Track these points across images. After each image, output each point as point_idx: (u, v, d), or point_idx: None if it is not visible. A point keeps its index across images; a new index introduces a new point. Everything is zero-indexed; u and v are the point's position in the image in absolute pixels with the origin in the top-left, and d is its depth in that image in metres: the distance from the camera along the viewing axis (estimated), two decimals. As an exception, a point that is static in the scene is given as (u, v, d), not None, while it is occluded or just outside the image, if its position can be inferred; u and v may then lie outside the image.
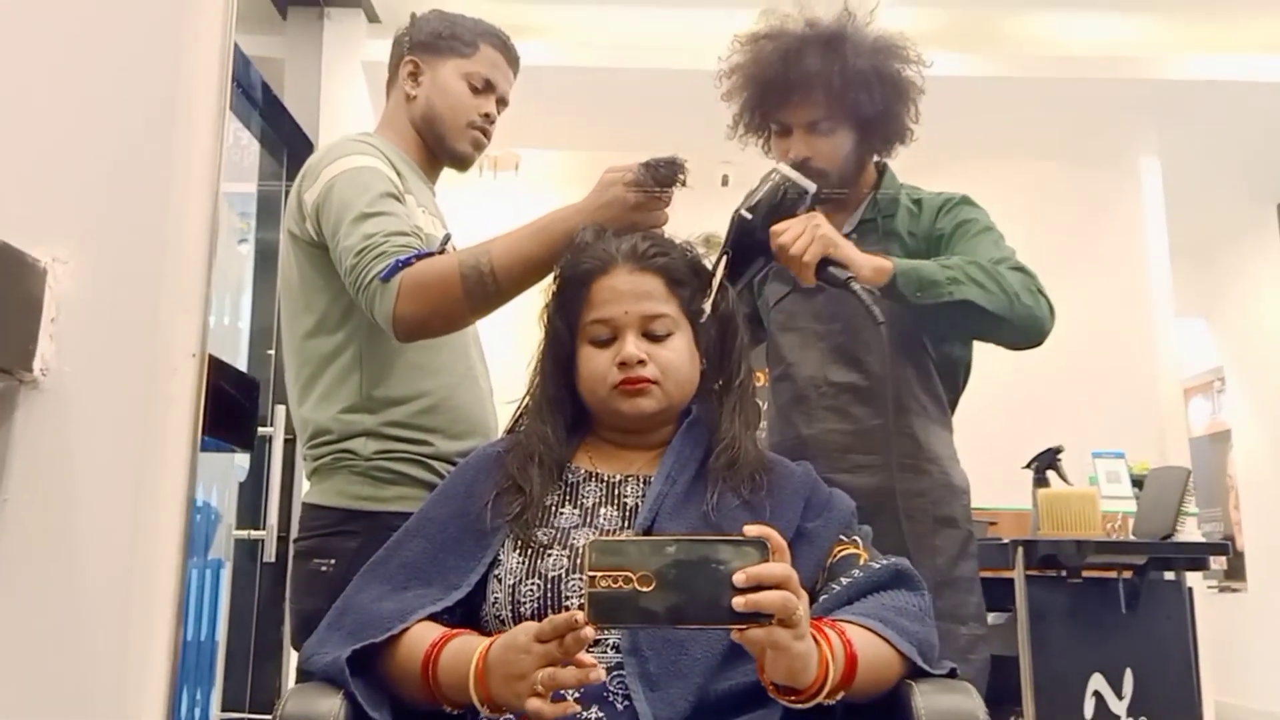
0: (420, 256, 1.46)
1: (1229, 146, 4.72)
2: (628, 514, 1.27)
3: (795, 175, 1.55)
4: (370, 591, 1.25)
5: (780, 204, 1.54)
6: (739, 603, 0.95)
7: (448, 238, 1.57)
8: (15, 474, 0.63)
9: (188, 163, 0.67)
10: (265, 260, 3.54)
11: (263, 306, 3.58)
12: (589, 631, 1.00)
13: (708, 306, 1.34)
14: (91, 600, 0.67)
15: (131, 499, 0.65)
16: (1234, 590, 6.07)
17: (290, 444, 3.10)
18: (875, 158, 1.85)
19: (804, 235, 1.50)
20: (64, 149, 0.70)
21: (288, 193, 3.50)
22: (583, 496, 1.30)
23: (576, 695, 1.11)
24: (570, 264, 1.33)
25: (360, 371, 1.61)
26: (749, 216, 1.52)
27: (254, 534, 3.17)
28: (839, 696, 1.08)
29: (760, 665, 1.03)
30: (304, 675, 1.23)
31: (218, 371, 2.24)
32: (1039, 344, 1.67)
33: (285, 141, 3.65)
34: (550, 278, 1.39)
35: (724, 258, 1.43)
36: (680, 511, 1.25)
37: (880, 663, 1.13)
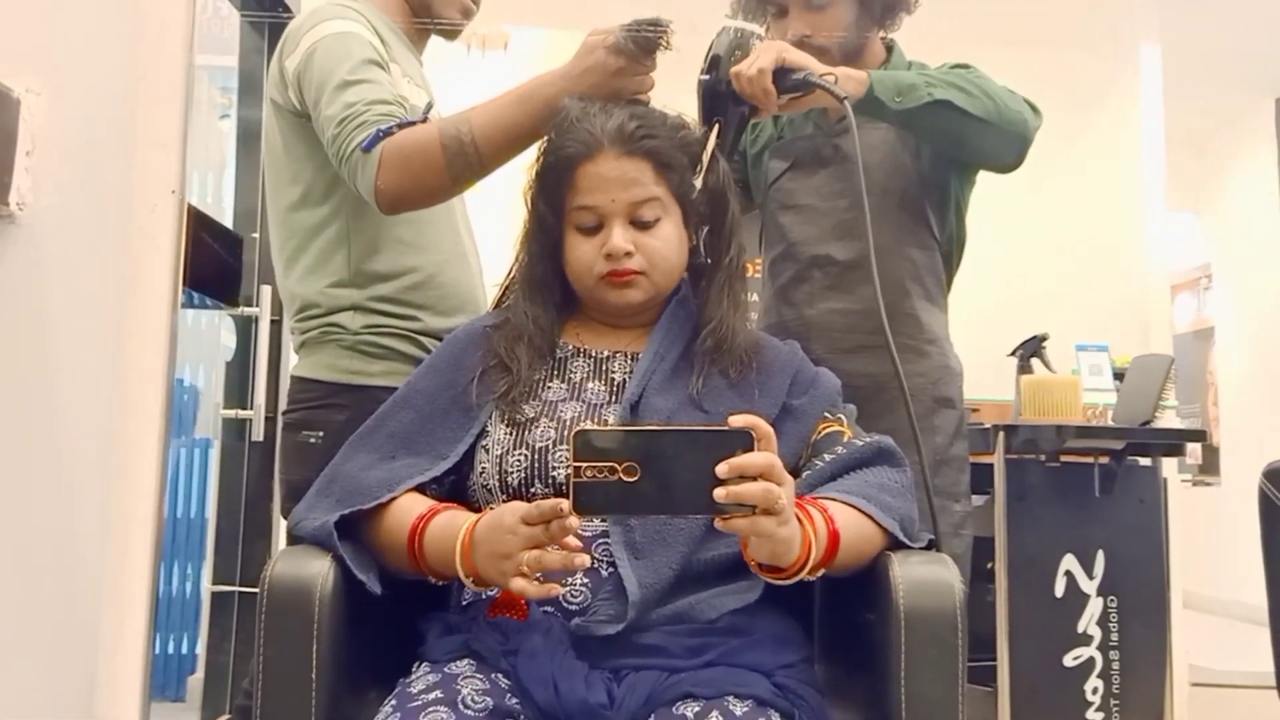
0: (402, 125, 1.43)
1: (1229, 37, 4.63)
2: (615, 389, 1.28)
3: (740, 23, 1.50)
4: (358, 460, 1.26)
5: (732, 54, 1.48)
6: (720, 494, 0.96)
7: (430, 106, 1.53)
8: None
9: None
10: (248, 137, 3.46)
11: (246, 185, 3.52)
12: (574, 520, 1.01)
13: (699, 183, 1.32)
14: (71, 437, 0.67)
15: (113, 333, 0.65)
16: (1207, 484, 6.20)
17: (276, 325, 3.09)
18: (881, 33, 1.81)
19: (752, 56, 1.46)
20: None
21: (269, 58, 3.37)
22: (570, 371, 1.30)
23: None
24: (554, 146, 1.30)
25: (348, 246, 1.60)
26: (707, 77, 1.48)
27: (241, 413, 3.18)
28: (820, 573, 1.11)
29: (744, 545, 1.05)
30: (293, 541, 1.25)
31: (200, 223, 2.20)
32: (1023, 154, 1.67)
33: (267, 12, 3.54)
34: (534, 153, 1.36)
35: (715, 127, 1.39)
36: (668, 388, 1.26)
37: (862, 538, 1.16)
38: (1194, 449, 6.73)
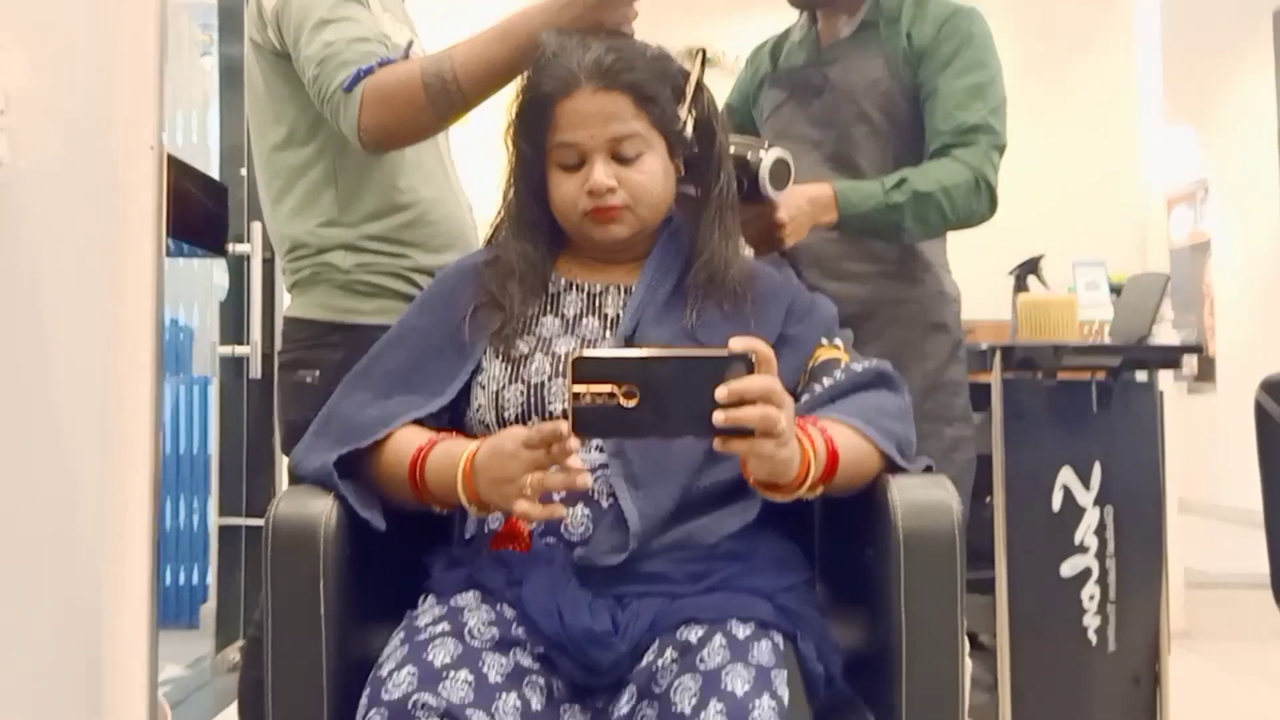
0: (383, 64, 1.41)
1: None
2: (609, 323, 1.27)
3: (765, 176, 1.49)
4: (355, 398, 1.27)
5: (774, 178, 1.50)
6: (719, 418, 0.96)
7: (410, 43, 1.51)
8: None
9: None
10: (230, 74, 3.40)
11: (231, 123, 3.47)
12: (574, 442, 1.02)
13: (683, 113, 1.29)
14: (65, 394, 0.67)
15: (99, 288, 0.64)
16: (1203, 392, 6.25)
17: (269, 263, 3.07)
18: None
19: (762, 237, 1.51)
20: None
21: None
22: (564, 306, 1.30)
23: (562, 496, 1.15)
24: (532, 84, 1.28)
25: (335, 185, 1.58)
26: (745, 179, 1.48)
27: (238, 350, 3.19)
28: (819, 491, 1.12)
29: (743, 464, 1.06)
30: (295, 481, 1.26)
31: (181, 174, 2.17)
32: None
33: (244, -56, 3.46)
34: (513, 92, 1.34)
35: (699, 55, 1.37)
36: (662, 321, 1.25)
37: (860, 459, 1.16)
38: (1190, 360, 6.77)
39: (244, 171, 3.32)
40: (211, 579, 3.46)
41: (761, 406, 0.97)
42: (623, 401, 0.96)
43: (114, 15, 0.64)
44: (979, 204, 1.67)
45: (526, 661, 1.07)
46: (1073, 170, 4.20)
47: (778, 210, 1.51)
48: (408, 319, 1.35)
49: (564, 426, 1.00)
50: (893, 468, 1.19)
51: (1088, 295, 3.67)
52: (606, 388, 0.96)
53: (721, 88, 1.94)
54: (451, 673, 1.01)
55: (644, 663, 1.05)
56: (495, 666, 1.04)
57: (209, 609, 3.41)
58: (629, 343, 1.24)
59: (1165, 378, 2.52)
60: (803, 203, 1.55)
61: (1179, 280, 5.63)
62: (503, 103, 1.40)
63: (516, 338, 1.25)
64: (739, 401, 0.96)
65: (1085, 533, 2.11)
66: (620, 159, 1.24)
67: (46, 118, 0.64)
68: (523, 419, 1.21)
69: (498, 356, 1.25)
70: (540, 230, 1.32)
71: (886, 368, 1.27)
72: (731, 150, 1.41)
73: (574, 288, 1.31)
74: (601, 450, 1.18)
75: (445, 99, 1.41)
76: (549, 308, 1.30)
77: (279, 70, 1.56)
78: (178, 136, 3.63)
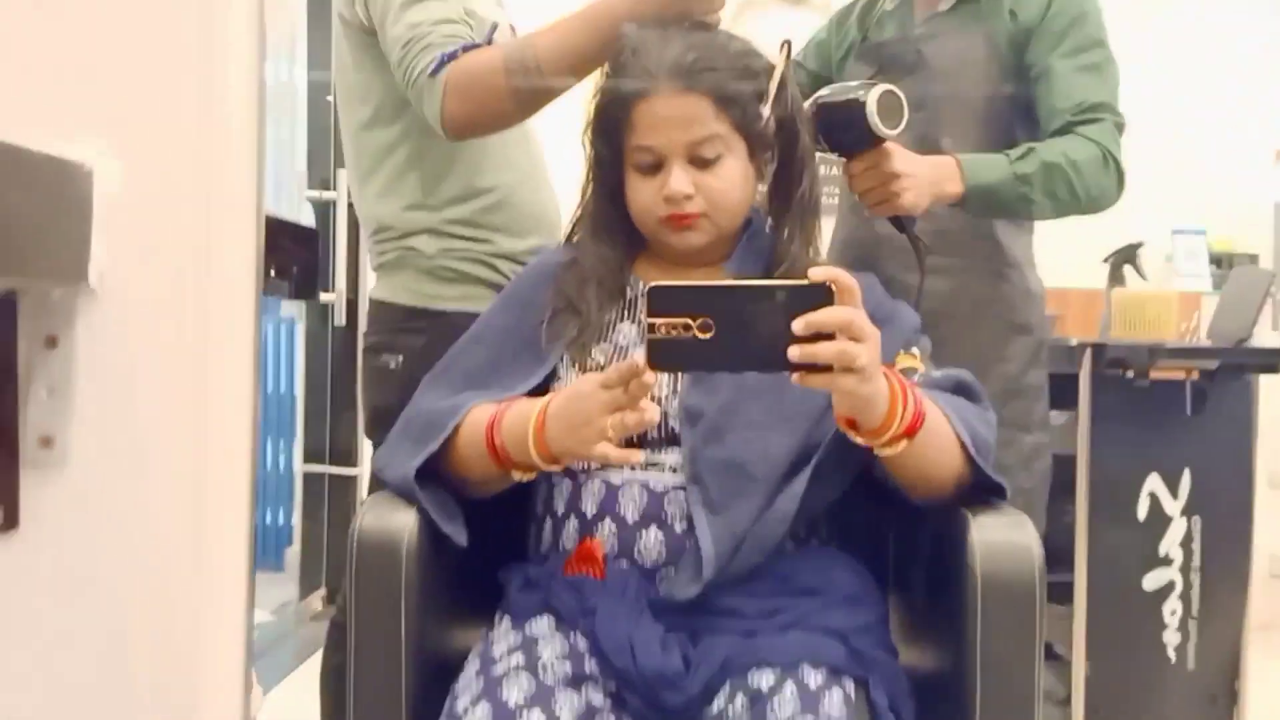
0: (467, 49, 1.40)
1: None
2: None
3: (874, 109, 1.34)
4: (431, 397, 1.28)
5: (882, 117, 1.36)
6: (794, 353, 0.94)
7: (495, 27, 1.49)
8: (81, 383, 0.62)
9: (226, 45, 0.62)
10: (318, 4, 3.40)
11: (319, 54, 3.48)
12: (650, 377, 1.02)
13: (766, 110, 1.25)
14: (160, 519, 0.68)
15: (194, 397, 0.65)
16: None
17: (353, 208, 3.11)
18: None
19: (875, 192, 1.40)
20: (94, 40, 0.64)
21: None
22: (640, 312, 1.29)
23: (636, 518, 1.15)
24: (610, 84, 1.25)
25: (420, 167, 1.58)
26: (844, 136, 1.39)
27: (324, 296, 3.23)
28: (902, 446, 1.07)
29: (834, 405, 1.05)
30: (378, 484, 1.28)
31: (278, 228, 2.24)
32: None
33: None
34: (591, 89, 1.31)
35: (784, 49, 1.32)
36: None
37: (943, 433, 1.12)
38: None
39: (330, 98, 3.33)
40: (297, 519, 3.57)
41: (841, 341, 0.95)
42: (698, 333, 0.95)
43: (209, 111, 0.64)
44: (1108, 180, 1.58)
45: (598, 700, 1.08)
46: (1176, 122, 4.00)
47: (893, 158, 1.38)
48: (488, 317, 1.35)
49: (640, 359, 1.00)
50: (972, 470, 1.15)
51: (1187, 265, 3.53)
52: (682, 319, 0.95)
53: (810, 27, 1.86)
54: (525, 713, 1.03)
55: (715, 709, 1.06)
56: (568, 706, 1.05)
57: (293, 552, 3.52)
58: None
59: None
60: (923, 165, 1.44)
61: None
62: (590, 84, 1.38)
63: (593, 345, 1.25)
64: (816, 335, 0.94)
65: (1171, 544, 2.05)
66: (698, 162, 1.22)
67: (145, 224, 0.64)
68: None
69: (574, 365, 1.25)
70: (618, 232, 1.31)
71: (968, 376, 1.24)
72: (830, 99, 1.36)
73: None
74: (676, 472, 1.18)
75: (528, 87, 1.40)
76: (627, 313, 1.29)
77: (366, 47, 1.55)
78: (269, 73, 3.66)
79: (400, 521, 1.17)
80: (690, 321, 0.94)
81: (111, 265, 0.59)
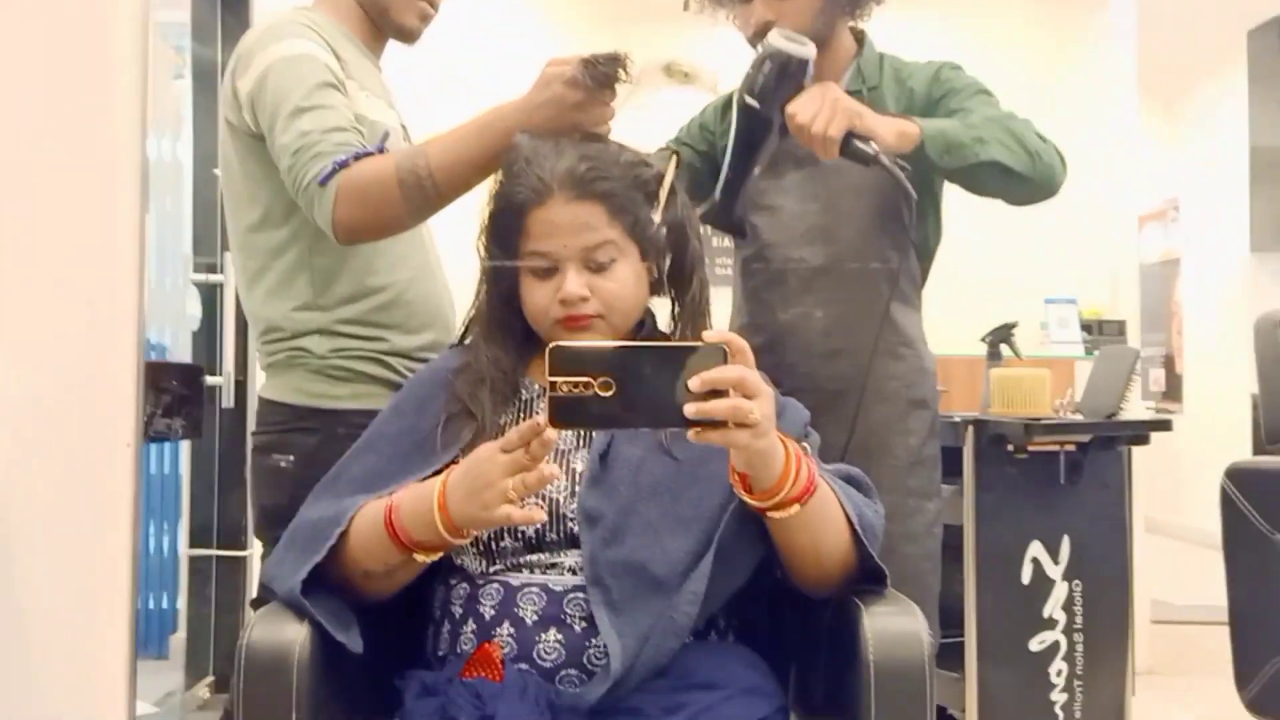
0: (359, 157, 1.40)
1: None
2: (583, 434, 1.27)
3: (789, 46, 1.45)
4: (317, 507, 1.26)
5: (783, 81, 1.45)
6: (690, 410, 0.98)
7: (387, 135, 1.50)
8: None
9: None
10: (203, 82, 3.36)
11: (205, 134, 3.43)
12: (551, 434, 1.04)
13: (657, 217, 1.29)
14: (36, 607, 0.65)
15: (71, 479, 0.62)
16: (1170, 412, 6.31)
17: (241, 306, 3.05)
18: (851, 22, 1.77)
19: (824, 110, 1.43)
20: None
21: (223, 9, 3.25)
22: (536, 413, 1.29)
23: (535, 619, 1.15)
24: (504, 192, 1.28)
25: (310, 268, 1.56)
26: (756, 105, 1.45)
27: (210, 380, 3.16)
28: (794, 509, 1.10)
29: (731, 467, 1.09)
30: (269, 591, 1.25)
31: (159, 372, 2.24)
32: (1048, 199, 1.65)
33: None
34: (485, 198, 1.33)
35: (673, 159, 1.37)
36: (636, 435, 1.25)
37: (831, 509, 1.16)
38: (1157, 375, 6.84)
39: (217, 171, 3.27)
40: (182, 604, 3.44)
41: (734, 398, 0.99)
42: (599, 392, 0.98)
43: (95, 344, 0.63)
44: (1048, 147, 1.60)
45: (499, 806, 1.07)
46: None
47: (832, 86, 1.43)
48: (379, 425, 1.34)
49: (541, 419, 1.02)
50: (858, 547, 1.19)
51: (1059, 332, 3.72)
52: (584, 378, 0.98)
53: (697, 105, 1.91)
54: None
55: None
56: None
57: (179, 639, 3.39)
58: (604, 459, 1.24)
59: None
60: (829, 90, 1.45)
61: (1149, 297, 5.68)
62: (484, 188, 1.39)
63: None
64: (712, 392, 0.98)
65: (1054, 607, 2.13)
66: (593, 267, 1.25)
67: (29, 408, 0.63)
68: (496, 536, 1.21)
69: None
70: (512, 334, 1.32)
71: (856, 471, 1.29)
72: (774, 58, 1.43)
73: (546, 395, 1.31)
74: (575, 573, 1.18)
75: (420, 195, 1.41)
76: (521, 415, 1.30)
77: (254, 152, 1.55)
78: (153, 153, 3.59)
79: (291, 634, 1.15)
80: (591, 380, 0.98)
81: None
